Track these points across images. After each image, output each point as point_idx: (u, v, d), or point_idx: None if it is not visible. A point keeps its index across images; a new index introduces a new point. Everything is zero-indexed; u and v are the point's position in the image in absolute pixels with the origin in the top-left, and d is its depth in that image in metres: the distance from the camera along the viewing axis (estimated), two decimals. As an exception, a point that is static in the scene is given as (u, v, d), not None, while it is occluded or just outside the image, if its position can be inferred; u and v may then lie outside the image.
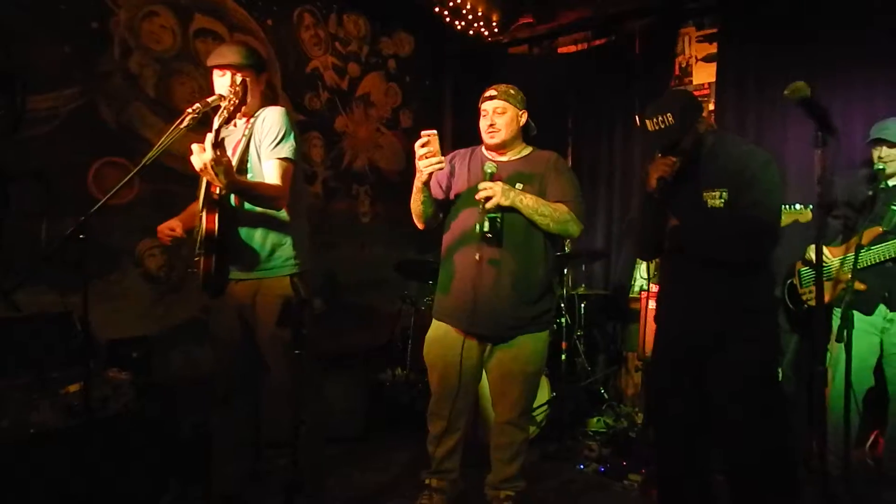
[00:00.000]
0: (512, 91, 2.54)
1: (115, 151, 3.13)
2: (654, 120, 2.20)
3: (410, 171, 2.57)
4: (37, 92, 2.88)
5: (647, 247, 2.57)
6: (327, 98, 4.47)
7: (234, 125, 2.41)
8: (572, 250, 4.41)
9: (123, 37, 3.20)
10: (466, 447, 2.67)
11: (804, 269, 3.16)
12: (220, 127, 2.09)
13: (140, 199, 3.21)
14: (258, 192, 2.26)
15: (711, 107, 4.40)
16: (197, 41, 3.53)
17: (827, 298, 2.90)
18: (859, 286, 2.72)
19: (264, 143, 2.30)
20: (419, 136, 2.31)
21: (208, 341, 2.53)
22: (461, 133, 5.28)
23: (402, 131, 5.16)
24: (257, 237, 2.34)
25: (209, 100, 2.22)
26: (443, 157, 2.33)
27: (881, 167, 2.84)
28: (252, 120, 2.37)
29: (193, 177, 2.35)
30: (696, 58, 4.66)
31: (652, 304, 3.13)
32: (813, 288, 3.07)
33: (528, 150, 2.61)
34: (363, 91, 4.79)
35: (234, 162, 2.22)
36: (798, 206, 2.92)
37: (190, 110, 2.12)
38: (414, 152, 2.34)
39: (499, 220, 2.39)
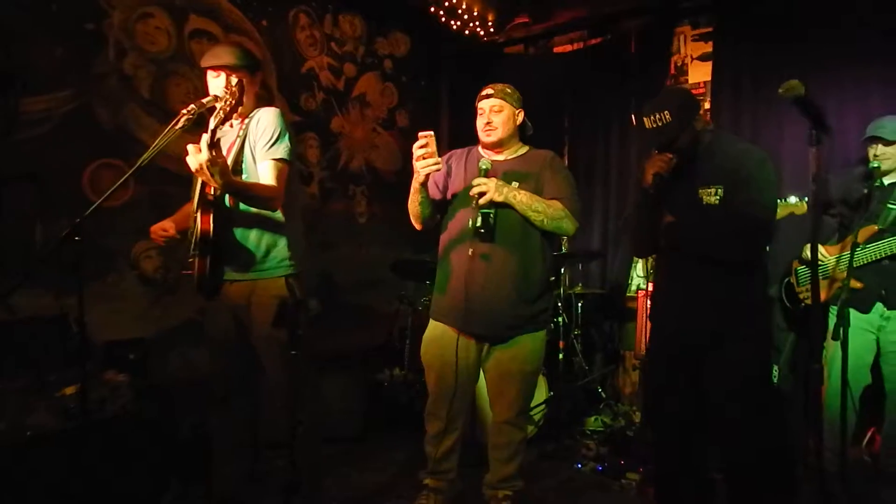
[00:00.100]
0: (508, 90, 2.55)
1: (111, 153, 3.13)
2: (652, 117, 2.21)
3: (407, 171, 2.56)
4: (31, 94, 2.87)
5: (642, 244, 2.58)
6: (323, 98, 4.47)
7: (231, 125, 2.40)
8: (569, 249, 4.41)
9: (118, 38, 3.19)
10: (464, 447, 2.66)
11: (801, 268, 3.16)
12: (217, 127, 2.09)
13: (136, 200, 3.20)
14: (253, 193, 2.26)
15: (707, 105, 4.40)
16: (192, 42, 3.52)
17: (823, 297, 2.91)
18: (856, 284, 2.73)
19: (259, 144, 2.30)
20: (416, 137, 2.31)
21: (204, 343, 2.52)
22: (457, 133, 5.29)
23: (398, 131, 5.16)
24: (252, 238, 2.34)
25: (204, 100, 2.21)
26: (440, 159, 2.33)
27: (877, 165, 2.85)
28: (246, 121, 2.37)
29: (189, 178, 2.35)
30: (691, 57, 4.67)
31: (649, 303, 3.13)
32: (810, 286, 3.07)
33: (524, 149, 2.61)
34: (359, 91, 4.79)
35: (229, 163, 2.22)
36: (793, 199, 2.94)
37: (185, 111, 2.11)
38: (411, 152, 2.34)
39: (492, 216, 2.39)
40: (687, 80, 4.66)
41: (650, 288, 3.71)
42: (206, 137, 2.00)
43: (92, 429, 2.38)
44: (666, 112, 2.17)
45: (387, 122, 5.07)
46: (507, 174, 2.49)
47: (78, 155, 3.04)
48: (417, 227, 2.63)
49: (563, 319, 4.10)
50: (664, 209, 2.35)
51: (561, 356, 4.11)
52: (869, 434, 3.17)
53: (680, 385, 2.36)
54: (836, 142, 3.52)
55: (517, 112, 2.56)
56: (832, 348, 2.83)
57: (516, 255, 2.44)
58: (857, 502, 2.67)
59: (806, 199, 2.89)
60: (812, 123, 1.75)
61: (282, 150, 2.30)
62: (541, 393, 3.58)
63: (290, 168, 2.37)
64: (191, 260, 2.25)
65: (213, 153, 1.98)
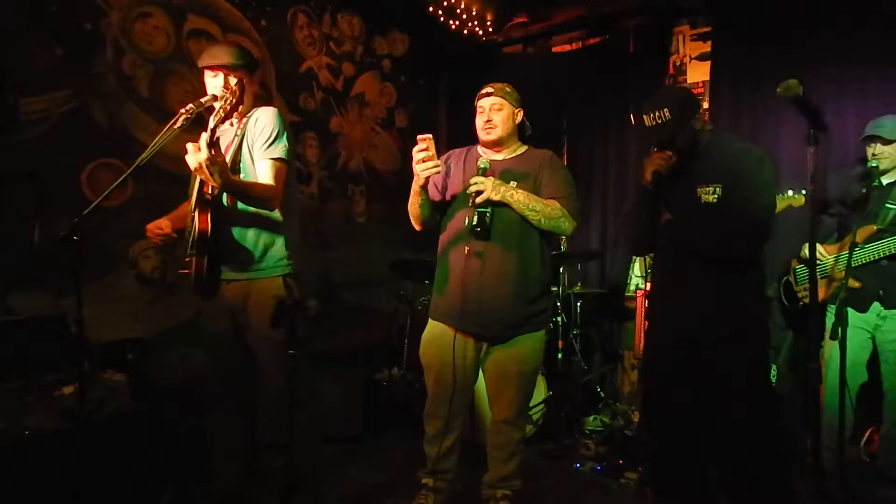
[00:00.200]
0: (508, 89, 2.55)
1: (109, 153, 3.12)
2: (652, 115, 2.21)
3: (406, 170, 2.57)
4: (30, 94, 2.87)
5: (640, 242, 2.58)
6: (322, 98, 4.47)
7: (231, 124, 2.40)
8: (568, 249, 4.41)
9: (116, 38, 3.19)
10: (463, 446, 2.66)
11: (799, 267, 3.16)
12: (216, 126, 2.09)
13: (134, 200, 3.20)
14: (252, 193, 2.25)
15: (706, 105, 4.41)
16: (190, 42, 3.52)
17: (822, 296, 2.91)
18: (854, 284, 2.73)
19: (257, 144, 2.30)
20: (415, 136, 2.31)
21: (202, 342, 2.52)
22: (456, 132, 5.30)
23: (396, 131, 5.16)
24: (250, 237, 2.34)
25: (202, 100, 2.22)
26: (439, 161, 2.33)
27: (875, 164, 2.85)
28: (245, 120, 2.37)
29: (187, 178, 2.35)
30: (690, 56, 4.67)
31: (646, 302, 3.14)
32: (808, 285, 3.07)
33: (523, 148, 2.61)
34: (358, 91, 4.79)
35: (227, 162, 2.22)
36: (790, 192, 2.94)
37: (183, 111, 2.11)
38: (410, 153, 2.34)
39: (488, 214, 2.39)
40: (685, 80, 4.66)
41: (648, 287, 3.72)
42: (205, 136, 2.00)
43: (90, 429, 2.37)
44: (666, 110, 2.18)
45: (385, 122, 5.07)
46: (505, 173, 2.49)
47: (76, 155, 3.03)
48: (417, 228, 2.63)
49: (562, 319, 4.10)
50: (663, 208, 2.35)
51: (560, 356, 4.12)
52: (867, 434, 3.18)
53: (676, 383, 2.36)
54: (834, 141, 3.53)
55: (516, 111, 2.56)
56: (829, 347, 2.84)
57: (515, 254, 2.44)
58: (855, 502, 2.67)
59: (803, 191, 2.91)
60: (810, 123, 1.75)
61: (280, 149, 2.30)
62: (540, 392, 3.58)
63: (289, 167, 2.37)
64: (188, 259, 2.24)
65: (213, 152, 1.98)
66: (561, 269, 4.23)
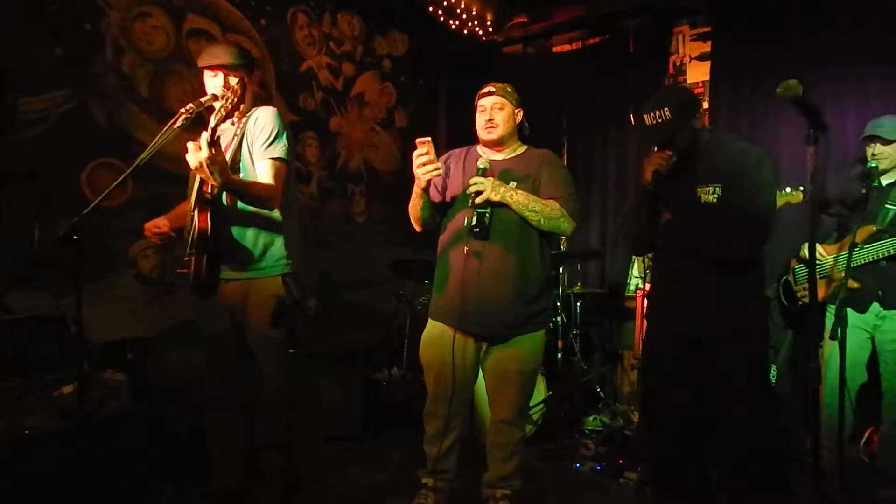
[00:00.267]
0: (509, 89, 2.56)
1: (109, 152, 3.12)
2: (652, 114, 2.21)
3: (405, 170, 2.56)
4: (29, 93, 2.87)
5: (640, 242, 2.58)
6: (322, 98, 4.47)
7: (232, 123, 2.40)
8: (568, 249, 4.41)
9: (116, 38, 3.19)
10: (463, 446, 2.66)
11: (798, 267, 3.16)
12: (217, 125, 2.09)
13: (134, 200, 3.20)
14: (252, 192, 2.25)
15: (706, 105, 4.41)
16: (190, 41, 3.52)
17: (821, 296, 2.91)
18: (853, 284, 2.73)
19: (257, 143, 2.30)
20: (415, 136, 2.31)
21: (200, 342, 2.52)
22: (456, 132, 5.29)
23: (396, 131, 5.16)
24: (249, 236, 2.34)
25: (202, 100, 2.22)
26: (440, 164, 2.33)
27: (875, 164, 2.85)
28: (244, 119, 2.37)
29: (187, 177, 2.35)
30: (689, 56, 4.67)
31: (645, 302, 3.14)
32: (807, 285, 3.07)
33: (522, 148, 2.62)
34: (358, 91, 4.79)
35: (226, 161, 2.22)
36: (788, 189, 2.94)
37: (183, 110, 2.11)
38: (409, 151, 2.34)
39: (487, 215, 2.39)
40: (685, 80, 4.66)
41: (647, 287, 3.73)
42: (206, 135, 2.00)
43: (90, 429, 2.37)
44: (666, 109, 2.18)
45: (385, 122, 5.07)
46: (505, 173, 2.49)
47: (76, 154, 3.03)
48: (417, 229, 2.63)
49: (562, 319, 4.10)
50: (662, 207, 2.35)
51: (560, 356, 4.12)
52: (867, 434, 3.18)
53: (675, 383, 2.36)
54: (834, 141, 3.53)
55: (516, 111, 2.57)
56: (829, 347, 2.84)
57: (514, 254, 2.44)
58: (854, 502, 2.67)
59: (802, 188, 2.91)
60: (810, 123, 1.75)
61: (279, 149, 2.31)
62: (539, 392, 3.58)
63: (288, 167, 2.37)
64: (187, 259, 2.24)
65: (213, 151, 1.98)
66: (561, 269, 4.23)
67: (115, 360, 2.88)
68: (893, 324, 2.78)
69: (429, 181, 2.38)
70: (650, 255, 3.75)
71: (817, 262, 2.96)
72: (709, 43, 4.51)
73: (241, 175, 2.32)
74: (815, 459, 2.11)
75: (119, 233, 3.15)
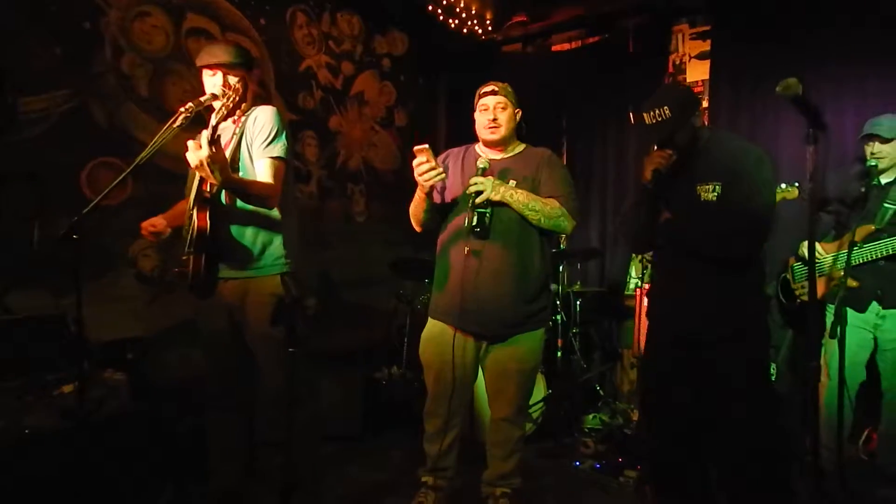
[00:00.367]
0: (510, 88, 2.56)
1: (108, 152, 3.12)
2: (651, 113, 2.21)
3: (405, 169, 2.57)
4: (29, 93, 2.87)
5: (639, 241, 2.58)
6: (321, 97, 4.47)
7: (234, 122, 2.41)
8: (567, 248, 4.42)
9: (115, 37, 3.19)
10: (463, 445, 2.67)
11: (797, 265, 3.17)
12: (218, 123, 2.09)
13: (133, 199, 3.20)
14: (251, 191, 2.25)
15: (705, 104, 4.41)
16: (189, 41, 3.51)
17: (820, 294, 2.91)
18: (852, 283, 2.73)
19: (256, 142, 2.30)
20: (414, 136, 2.31)
21: (199, 342, 2.52)
22: (455, 131, 5.29)
23: (396, 130, 5.16)
24: (248, 235, 2.34)
25: (202, 99, 2.22)
26: (441, 169, 2.33)
27: (874, 163, 2.85)
28: (243, 119, 2.37)
29: (186, 176, 2.35)
30: (689, 55, 4.67)
31: (645, 301, 3.14)
32: (806, 283, 3.08)
33: (521, 146, 2.62)
34: (357, 90, 4.79)
35: (225, 160, 2.22)
36: (783, 185, 2.94)
37: (183, 109, 2.12)
38: (409, 150, 2.34)
39: (488, 214, 2.40)
40: (685, 79, 4.66)
41: (647, 286, 3.73)
42: (206, 133, 2.00)
43: (90, 428, 2.37)
44: (665, 108, 2.17)
45: (385, 121, 5.07)
46: (504, 172, 2.49)
47: (75, 154, 3.03)
48: (417, 229, 2.64)
49: (562, 318, 4.11)
50: (662, 206, 2.35)
51: (559, 354, 4.12)
52: (865, 433, 3.18)
53: (675, 382, 2.36)
54: (833, 140, 3.53)
55: (517, 111, 2.57)
56: (830, 347, 2.84)
57: (514, 253, 2.44)
58: (853, 500, 2.67)
59: (796, 184, 2.91)
60: (809, 122, 1.75)
61: (279, 148, 2.31)
62: (539, 391, 3.58)
63: (287, 166, 2.37)
64: (185, 258, 2.24)
65: (214, 149, 1.98)
66: (560, 268, 4.23)
67: (114, 359, 2.88)
68: (894, 323, 2.78)
69: (433, 186, 2.38)
70: (648, 256, 3.77)
71: (816, 260, 2.96)
72: (708, 42, 4.52)
73: (240, 174, 2.31)
74: (815, 459, 2.11)
75: (119, 232, 3.15)
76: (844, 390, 2.46)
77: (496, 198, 2.38)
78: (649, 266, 3.86)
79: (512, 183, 2.45)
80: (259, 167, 2.29)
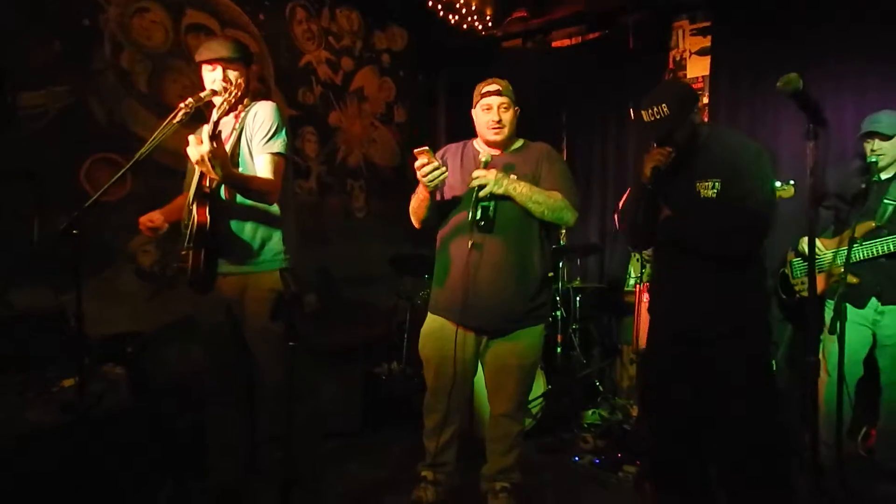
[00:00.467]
0: (510, 87, 2.56)
1: (108, 148, 3.12)
2: (650, 110, 2.20)
3: (405, 165, 2.57)
4: (27, 89, 2.86)
5: (639, 237, 2.59)
6: (321, 93, 4.46)
7: (237, 118, 2.40)
8: (567, 244, 4.42)
9: (114, 33, 3.18)
10: (462, 440, 2.67)
11: (796, 260, 3.17)
12: (219, 119, 2.09)
13: (133, 195, 3.19)
14: (251, 186, 2.25)
15: (705, 100, 4.40)
16: (189, 36, 3.51)
17: (819, 290, 2.91)
18: (852, 279, 2.74)
19: (256, 138, 2.30)
20: (414, 132, 2.31)
21: (198, 337, 2.53)
22: (455, 127, 5.28)
23: (396, 126, 5.15)
24: (247, 231, 2.34)
25: (201, 94, 2.22)
26: (444, 168, 2.33)
27: (874, 160, 2.85)
28: (243, 114, 2.37)
29: (186, 172, 2.35)
30: (689, 51, 4.66)
31: (647, 297, 3.14)
32: (805, 279, 3.08)
33: (520, 142, 2.62)
34: (357, 86, 4.78)
35: (224, 155, 2.21)
36: (778, 184, 2.94)
37: (182, 105, 2.11)
38: (408, 146, 2.34)
39: (491, 208, 2.40)
40: (685, 75, 4.66)
41: (647, 283, 3.73)
42: (207, 128, 2.00)
43: (90, 423, 2.38)
44: (664, 105, 2.17)
45: (385, 117, 5.06)
46: (505, 168, 2.49)
47: (75, 150, 3.03)
48: (417, 226, 2.63)
49: (562, 313, 4.11)
50: (662, 203, 2.35)
51: (559, 350, 4.12)
52: (864, 430, 3.19)
53: (675, 378, 2.37)
54: (833, 136, 3.53)
55: (517, 110, 2.57)
56: (829, 343, 2.84)
57: (515, 248, 2.44)
58: (852, 497, 2.68)
59: (791, 182, 2.90)
60: (809, 117, 1.75)
61: (279, 144, 2.31)
62: (539, 386, 3.59)
63: (287, 162, 2.37)
64: (184, 253, 2.24)
65: (215, 144, 1.98)
66: (560, 264, 4.23)
67: (114, 354, 2.89)
68: (893, 319, 2.79)
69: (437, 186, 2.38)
70: (646, 254, 3.78)
71: (815, 256, 2.96)
72: (708, 38, 4.51)
73: (240, 169, 2.31)
74: (814, 455, 2.12)
75: (119, 228, 3.15)
76: (844, 386, 2.47)
77: (499, 191, 2.37)
78: (647, 265, 3.86)
79: (513, 177, 2.45)
80: (259, 163, 2.29)
